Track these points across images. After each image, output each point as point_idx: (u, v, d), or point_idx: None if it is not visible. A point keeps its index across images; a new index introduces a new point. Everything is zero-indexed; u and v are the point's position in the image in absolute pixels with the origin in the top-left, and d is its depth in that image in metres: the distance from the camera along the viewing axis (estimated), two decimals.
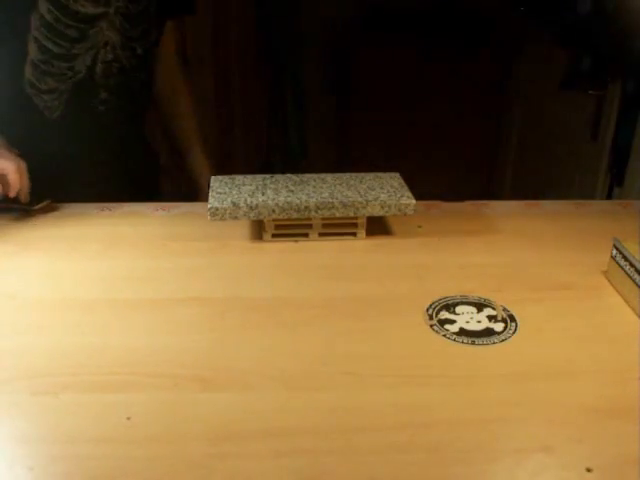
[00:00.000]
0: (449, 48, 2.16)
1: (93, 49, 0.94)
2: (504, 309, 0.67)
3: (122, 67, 0.98)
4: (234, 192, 0.81)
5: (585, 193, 1.69)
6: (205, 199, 0.81)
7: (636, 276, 0.67)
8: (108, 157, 1.02)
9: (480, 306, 0.68)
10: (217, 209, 0.77)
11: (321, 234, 0.81)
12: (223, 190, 0.81)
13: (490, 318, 0.66)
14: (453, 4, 2.17)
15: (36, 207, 0.87)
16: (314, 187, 0.82)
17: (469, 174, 2.24)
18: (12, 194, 0.82)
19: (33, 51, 0.94)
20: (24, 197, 0.84)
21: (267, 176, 0.85)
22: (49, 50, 0.93)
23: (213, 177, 0.85)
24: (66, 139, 0.98)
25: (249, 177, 0.85)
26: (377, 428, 0.52)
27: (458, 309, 0.67)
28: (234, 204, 0.78)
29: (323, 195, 0.80)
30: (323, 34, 2.24)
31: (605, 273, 0.74)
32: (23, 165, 0.84)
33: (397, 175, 0.87)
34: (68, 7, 0.91)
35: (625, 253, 0.70)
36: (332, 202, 0.78)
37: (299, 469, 0.48)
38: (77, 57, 0.95)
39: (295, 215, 0.79)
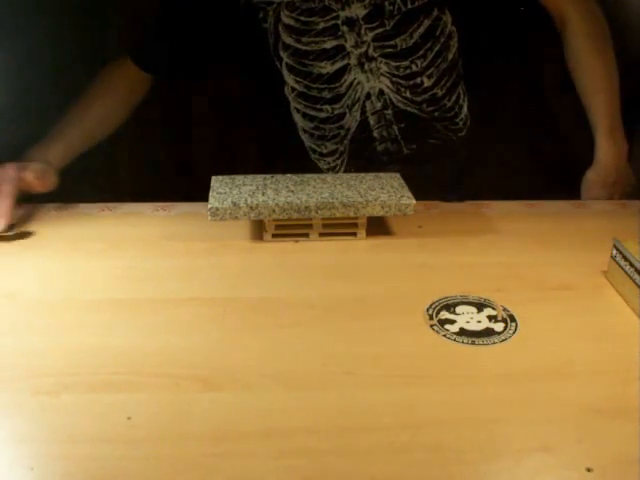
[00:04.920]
0: None
1: (356, 104, 0.95)
2: (504, 309, 0.67)
3: (398, 111, 0.97)
4: (234, 192, 0.81)
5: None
6: None
7: (636, 276, 0.67)
8: None
9: (480, 306, 0.68)
10: (217, 209, 0.77)
11: (321, 234, 0.81)
12: (223, 190, 0.81)
13: (490, 318, 0.66)
14: None
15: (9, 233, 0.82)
16: (314, 187, 0.82)
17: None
18: None
19: (300, 121, 0.97)
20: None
21: (267, 176, 0.86)
22: (314, 117, 0.96)
23: (213, 177, 0.85)
24: None
25: (249, 177, 0.85)
26: (377, 428, 0.52)
27: (458, 309, 0.67)
28: (234, 204, 0.78)
29: (323, 195, 0.80)
30: None
31: (605, 273, 0.74)
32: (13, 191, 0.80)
33: (397, 175, 0.87)
34: (311, 72, 0.93)
35: (625, 253, 0.70)
36: (332, 202, 0.78)
37: (299, 469, 0.48)
38: (343, 116, 0.95)
39: (295, 215, 0.79)
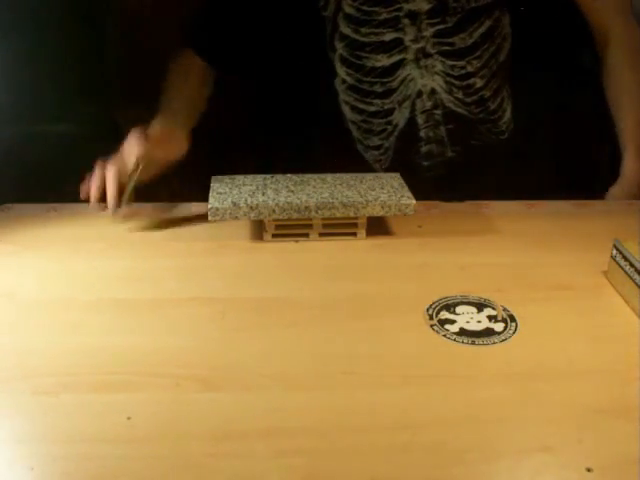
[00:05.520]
0: None
1: (407, 101, 0.94)
2: (504, 309, 0.67)
3: (448, 112, 0.96)
4: (234, 192, 0.81)
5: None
6: None
7: (636, 276, 0.67)
8: None
9: (480, 306, 0.68)
10: (217, 209, 0.77)
11: (321, 234, 0.81)
12: (223, 190, 0.81)
13: (490, 318, 0.66)
14: None
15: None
16: (314, 187, 0.82)
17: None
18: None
19: (349, 114, 0.96)
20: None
21: (267, 176, 0.86)
22: (363, 110, 0.95)
23: (213, 177, 0.85)
24: None
25: (249, 177, 0.85)
26: (377, 428, 0.52)
27: (458, 309, 0.67)
28: (234, 204, 0.78)
29: (323, 195, 0.80)
30: None
31: (605, 273, 0.74)
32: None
33: (397, 175, 0.87)
34: (364, 65, 0.92)
35: (625, 253, 0.70)
36: (332, 202, 0.78)
37: (299, 469, 0.48)
38: (392, 111, 0.95)
39: (295, 215, 0.79)
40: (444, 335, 0.63)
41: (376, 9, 0.92)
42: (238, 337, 0.63)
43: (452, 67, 0.95)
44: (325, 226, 0.80)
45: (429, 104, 0.96)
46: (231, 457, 0.49)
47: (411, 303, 0.68)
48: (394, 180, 0.85)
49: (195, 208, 0.89)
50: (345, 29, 0.94)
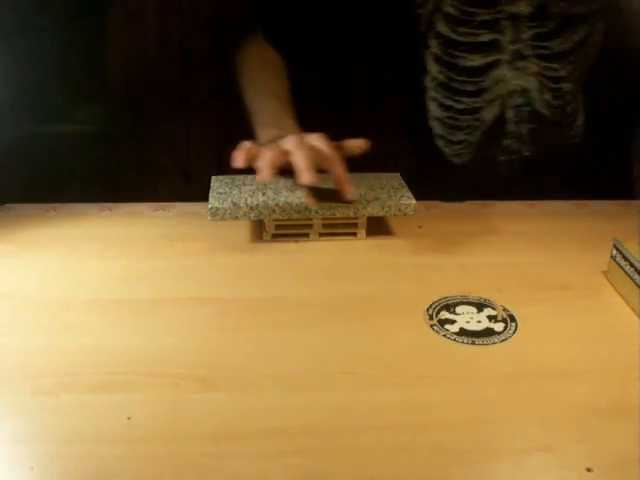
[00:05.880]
0: None
1: (497, 99, 0.95)
2: (504, 309, 0.67)
3: (534, 112, 0.98)
4: (234, 192, 0.81)
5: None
6: None
7: (636, 276, 0.67)
8: None
9: (480, 306, 0.68)
10: (217, 209, 0.77)
11: (321, 234, 0.81)
12: (223, 190, 0.81)
13: (490, 318, 0.66)
14: None
15: None
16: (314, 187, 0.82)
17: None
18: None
19: (435, 110, 0.97)
20: None
21: None
22: (451, 107, 0.95)
23: (213, 177, 0.85)
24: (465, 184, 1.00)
25: (249, 177, 0.85)
26: (377, 428, 0.52)
27: (458, 309, 0.67)
28: (234, 204, 0.78)
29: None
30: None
31: (605, 273, 0.74)
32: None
33: (397, 175, 0.87)
34: (457, 64, 0.93)
35: (625, 253, 0.70)
36: (332, 202, 0.78)
37: (299, 469, 0.48)
38: (482, 109, 0.96)
39: (295, 215, 0.79)
40: (444, 335, 0.63)
41: (477, 10, 0.93)
42: (237, 337, 0.63)
43: (546, 69, 0.96)
44: (325, 226, 0.80)
45: (519, 101, 0.97)
46: (231, 457, 0.49)
47: (411, 303, 0.68)
48: (394, 180, 0.85)
49: (195, 208, 0.89)
50: (442, 28, 0.94)
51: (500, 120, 0.99)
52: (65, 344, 0.61)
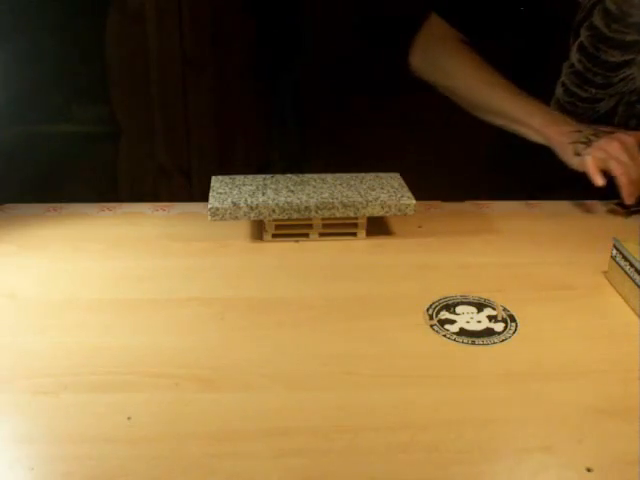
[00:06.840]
0: None
1: (617, 94, 1.00)
2: (504, 309, 0.67)
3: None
4: (234, 192, 0.81)
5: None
6: None
7: (636, 276, 0.67)
8: None
9: (480, 306, 0.68)
10: (217, 209, 0.77)
11: (321, 234, 0.81)
12: (223, 190, 0.81)
13: (490, 318, 0.66)
14: None
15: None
16: (314, 187, 0.82)
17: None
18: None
19: (560, 93, 1.01)
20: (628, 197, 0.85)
21: (267, 176, 0.85)
22: (575, 94, 1.00)
23: (213, 177, 0.85)
24: None
25: (249, 177, 0.85)
26: (377, 428, 0.52)
27: (458, 309, 0.67)
28: (234, 204, 0.78)
29: (323, 195, 0.80)
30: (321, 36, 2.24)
31: (605, 273, 0.74)
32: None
33: (397, 175, 0.87)
34: (599, 57, 0.97)
35: (625, 253, 0.70)
36: (332, 202, 0.78)
37: (299, 469, 0.48)
38: (601, 100, 1.01)
39: (295, 215, 0.79)
40: (444, 335, 0.63)
41: (633, 11, 0.96)
42: (238, 337, 0.63)
43: None
44: (325, 226, 0.80)
45: (634, 98, 1.00)
46: (231, 457, 0.49)
47: (411, 303, 0.68)
48: (394, 180, 0.85)
49: (195, 208, 0.89)
50: (598, 21, 0.97)
51: (612, 112, 1.02)
52: (66, 344, 0.61)
